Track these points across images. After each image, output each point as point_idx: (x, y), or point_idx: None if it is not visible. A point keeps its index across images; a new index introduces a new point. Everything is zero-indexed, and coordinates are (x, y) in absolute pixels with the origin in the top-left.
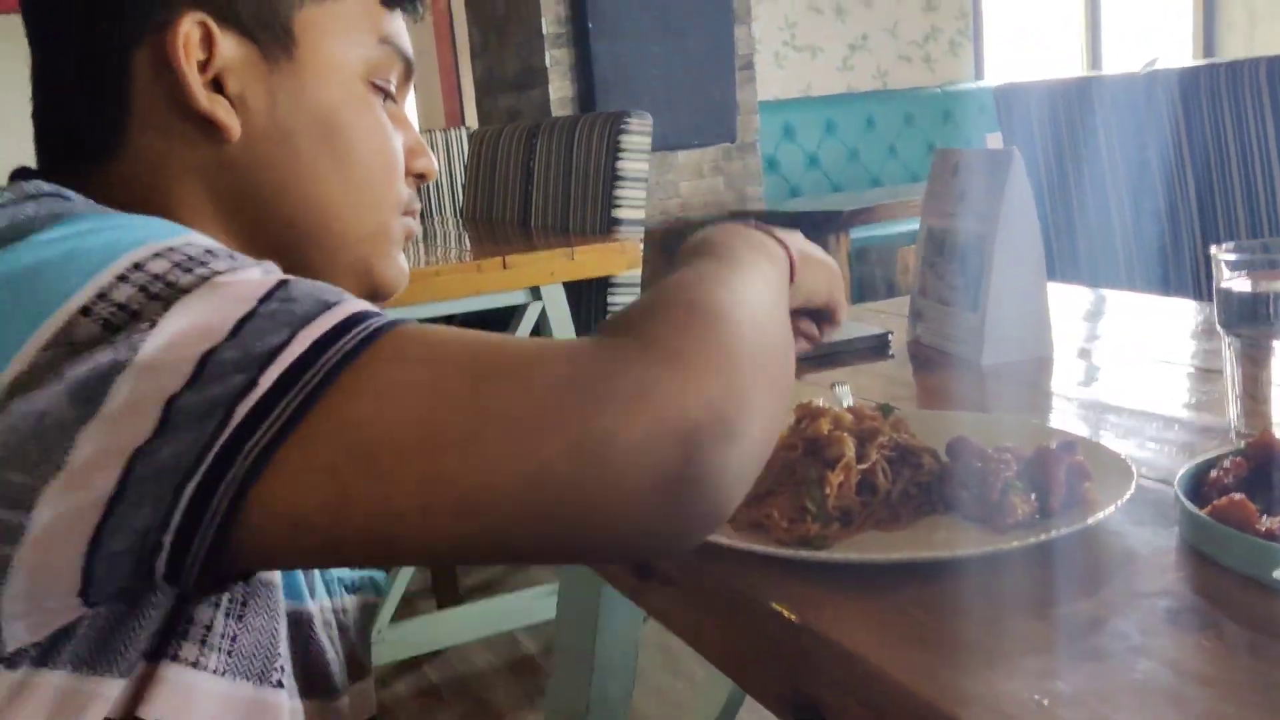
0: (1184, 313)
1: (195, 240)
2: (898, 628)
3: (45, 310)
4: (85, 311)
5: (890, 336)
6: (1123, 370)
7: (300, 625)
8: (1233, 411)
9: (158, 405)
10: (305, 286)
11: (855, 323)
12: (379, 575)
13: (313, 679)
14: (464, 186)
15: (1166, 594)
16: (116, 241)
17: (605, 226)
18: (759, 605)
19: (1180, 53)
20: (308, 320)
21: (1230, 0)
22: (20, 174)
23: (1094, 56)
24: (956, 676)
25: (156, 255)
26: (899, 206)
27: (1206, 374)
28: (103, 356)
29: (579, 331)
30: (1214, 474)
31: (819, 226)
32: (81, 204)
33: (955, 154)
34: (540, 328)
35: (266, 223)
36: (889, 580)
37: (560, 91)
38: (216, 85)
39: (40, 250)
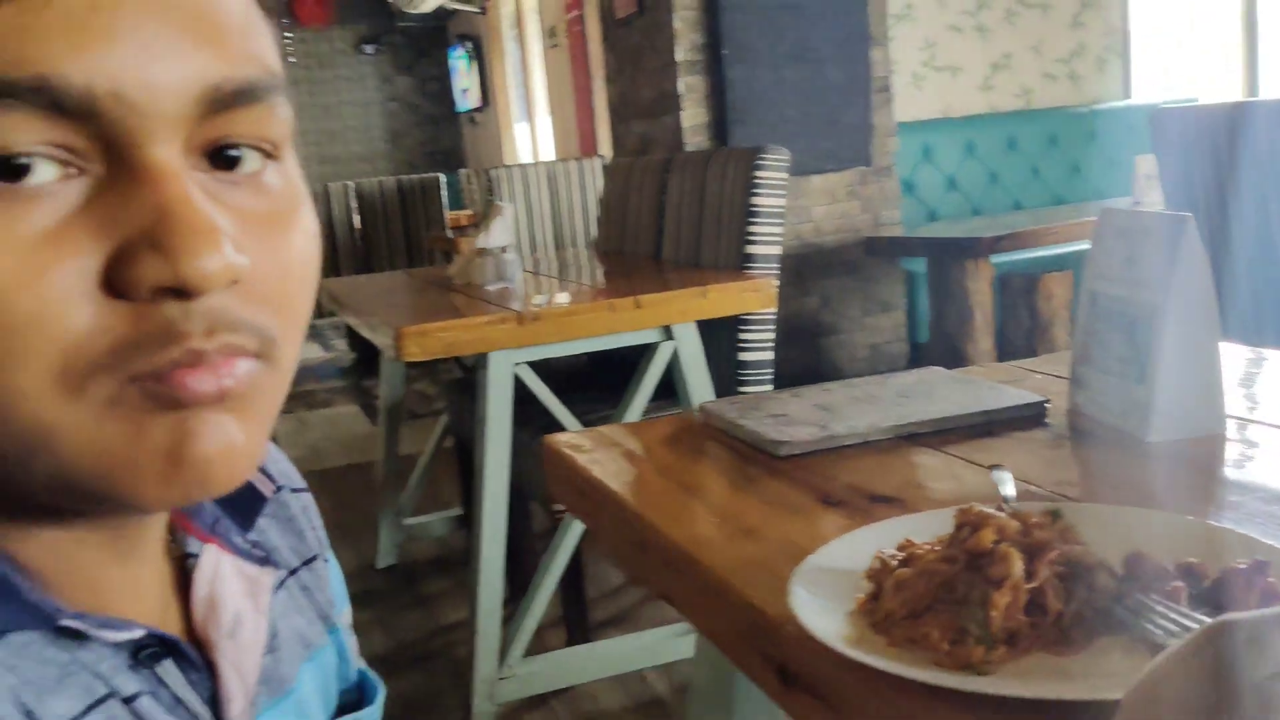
0: None
1: None
2: None
3: None
4: None
5: (1047, 405)
6: None
7: None
8: None
9: None
10: None
11: (1007, 387)
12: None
13: None
14: (598, 219)
15: None
16: None
17: (739, 262)
18: None
19: None
20: None
21: None
22: None
23: (1251, 75)
24: None
25: None
26: (1042, 233)
27: None
28: None
29: (711, 368)
30: None
31: (959, 252)
32: None
33: (1122, 215)
34: (673, 366)
35: None
36: (1059, 714)
37: (693, 118)
38: None
39: None
